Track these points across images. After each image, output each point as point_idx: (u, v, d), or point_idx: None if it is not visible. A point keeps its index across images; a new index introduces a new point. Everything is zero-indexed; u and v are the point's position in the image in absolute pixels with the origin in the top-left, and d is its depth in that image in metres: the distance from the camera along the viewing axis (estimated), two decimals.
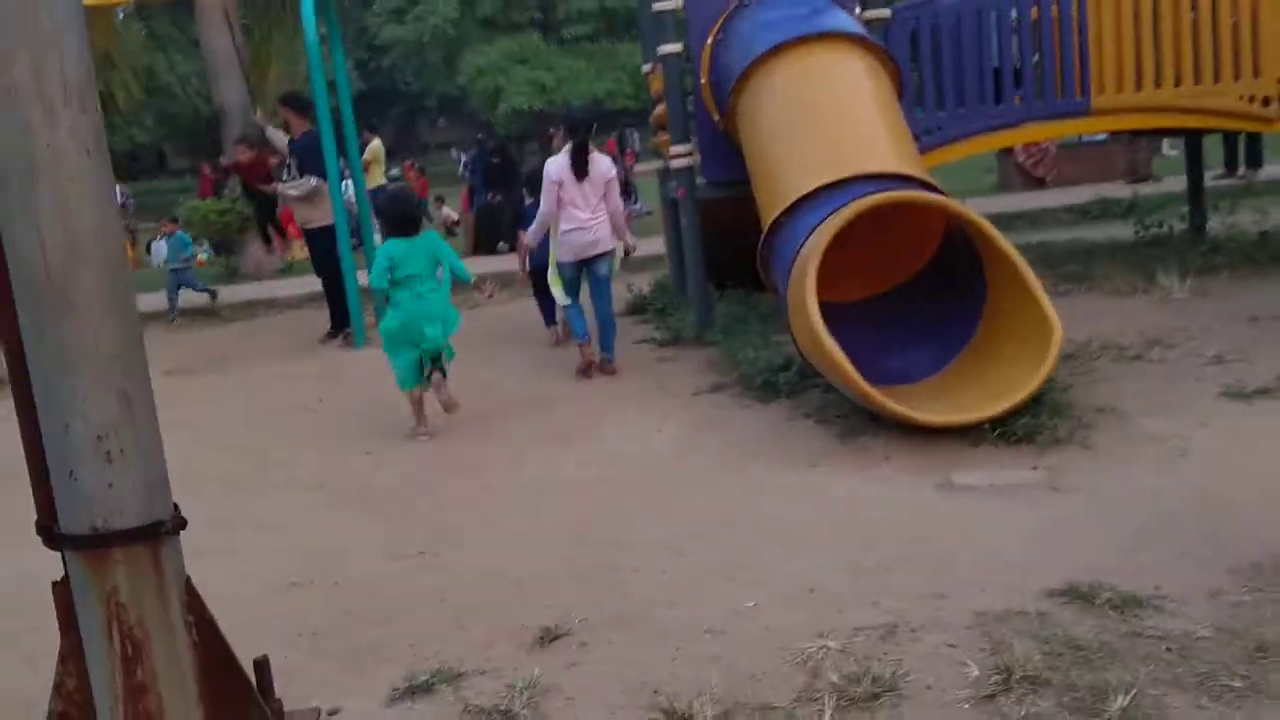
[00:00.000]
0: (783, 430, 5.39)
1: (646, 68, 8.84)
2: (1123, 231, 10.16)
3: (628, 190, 20.80)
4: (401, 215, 6.30)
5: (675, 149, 7.72)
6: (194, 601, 1.91)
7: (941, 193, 5.73)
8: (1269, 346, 5.80)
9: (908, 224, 6.03)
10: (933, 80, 7.70)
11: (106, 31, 13.92)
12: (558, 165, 6.95)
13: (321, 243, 9.22)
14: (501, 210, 14.22)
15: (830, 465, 4.81)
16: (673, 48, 7.61)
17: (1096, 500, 4.07)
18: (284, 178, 9.45)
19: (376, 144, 17.04)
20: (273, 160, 9.53)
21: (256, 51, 14.42)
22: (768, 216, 6.09)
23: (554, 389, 6.96)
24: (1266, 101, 7.73)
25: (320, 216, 9.18)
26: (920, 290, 6.21)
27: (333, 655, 3.51)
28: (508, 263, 12.59)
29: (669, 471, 5.05)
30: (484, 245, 14.29)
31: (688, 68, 7.82)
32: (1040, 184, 14.84)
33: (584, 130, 7.02)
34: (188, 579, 1.93)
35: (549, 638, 3.33)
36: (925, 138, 7.57)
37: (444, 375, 6.25)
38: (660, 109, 8.27)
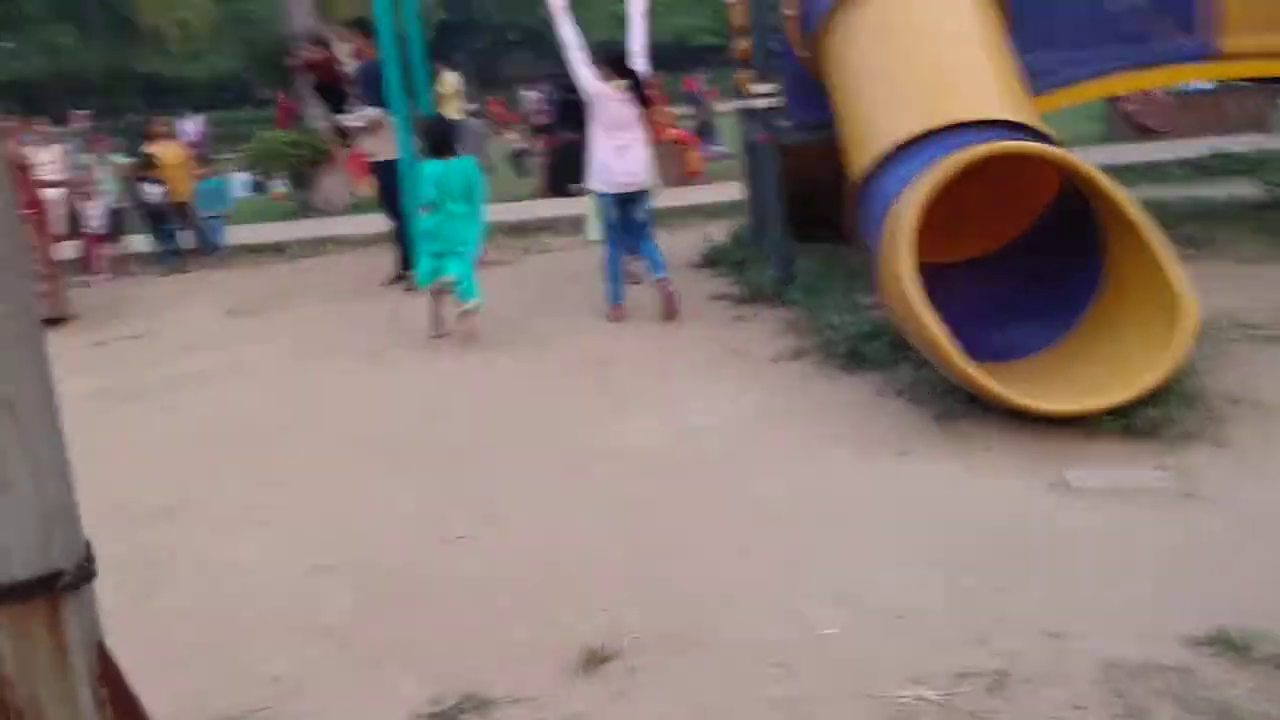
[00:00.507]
0: (870, 408, 4.85)
1: None
2: (1246, 190, 9.32)
3: (708, 130, 20.15)
4: (439, 138, 6.94)
5: (757, 88, 7.11)
6: (108, 672, 1.46)
7: (1056, 143, 5.09)
8: None
9: (1017, 177, 5.40)
10: (1042, 18, 6.94)
11: None
12: (601, 85, 6.88)
13: (386, 177, 8.83)
14: (576, 150, 13.67)
15: (924, 454, 4.26)
16: None
17: (1239, 513, 3.48)
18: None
19: (450, 77, 16.55)
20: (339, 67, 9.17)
21: None
22: (858, 166, 5.50)
23: (620, 345, 6.48)
24: None
25: (384, 150, 8.77)
26: (1030, 252, 5.59)
27: (351, 659, 3.10)
28: (582, 206, 12.11)
29: (741, 450, 4.55)
30: (557, 187, 13.76)
31: None
32: (1150, 134, 13.85)
33: (628, 66, 6.96)
34: (100, 642, 1.48)
35: (595, 661, 2.87)
36: (1033, 82, 6.84)
37: (460, 301, 6.78)
38: (742, 44, 7.65)
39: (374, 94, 8.59)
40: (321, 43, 9.57)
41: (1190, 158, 11.36)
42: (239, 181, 19.06)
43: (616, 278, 7.11)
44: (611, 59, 7.05)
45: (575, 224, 11.30)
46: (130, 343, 7.61)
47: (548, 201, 13.31)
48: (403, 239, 8.88)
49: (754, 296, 7.21)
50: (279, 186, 16.84)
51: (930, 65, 5.45)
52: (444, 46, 55.64)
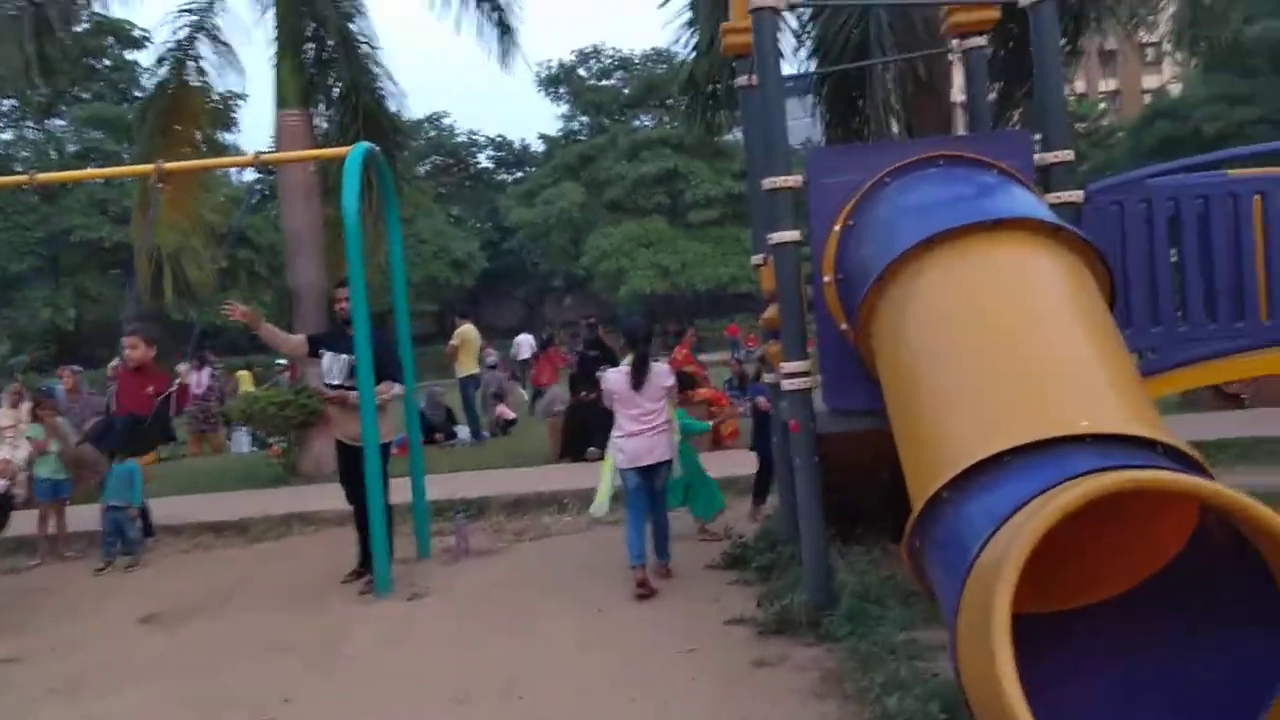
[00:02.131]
0: None
1: (756, 259, 7.03)
2: None
3: (748, 382, 18.90)
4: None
5: (788, 366, 5.78)
6: None
7: (1201, 467, 3.63)
8: None
9: (1144, 507, 3.89)
10: (1145, 288, 5.64)
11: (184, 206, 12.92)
12: (614, 376, 6.97)
13: (379, 463, 7.27)
14: (595, 410, 12.43)
15: None
16: (788, 236, 5.77)
17: None
18: (330, 381, 7.62)
19: (467, 329, 15.67)
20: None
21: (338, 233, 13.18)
22: (920, 485, 4.02)
23: (608, 698, 4.88)
24: None
25: (387, 430, 7.44)
26: (1168, 602, 4.00)
27: None
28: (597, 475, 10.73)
29: None
30: (573, 449, 12.46)
31: (809, 261, 5.97)
32: (1235, 404, 12.35)
33: (643, 343, 7.01)
34: None
35: None
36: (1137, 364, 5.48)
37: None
38: (771, 310, 6.40)
39: (390, 364, 7.40)
40: (148, 338, 8.46)
41: None
42: (241, 438, 17.96)
43: (634, 536, 6.79)
44: (627, 332, 7.27)
45: (587, 499, 9.89)
46: None
47: (559, 468, 11.96)
48: (365, 528, 7.42)
49: (783, 625, 5.63)
50: (281, 442, 15.66)
51: (1020, 353, 4.04)
52: (493, 293, 56.50)
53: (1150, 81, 56.56)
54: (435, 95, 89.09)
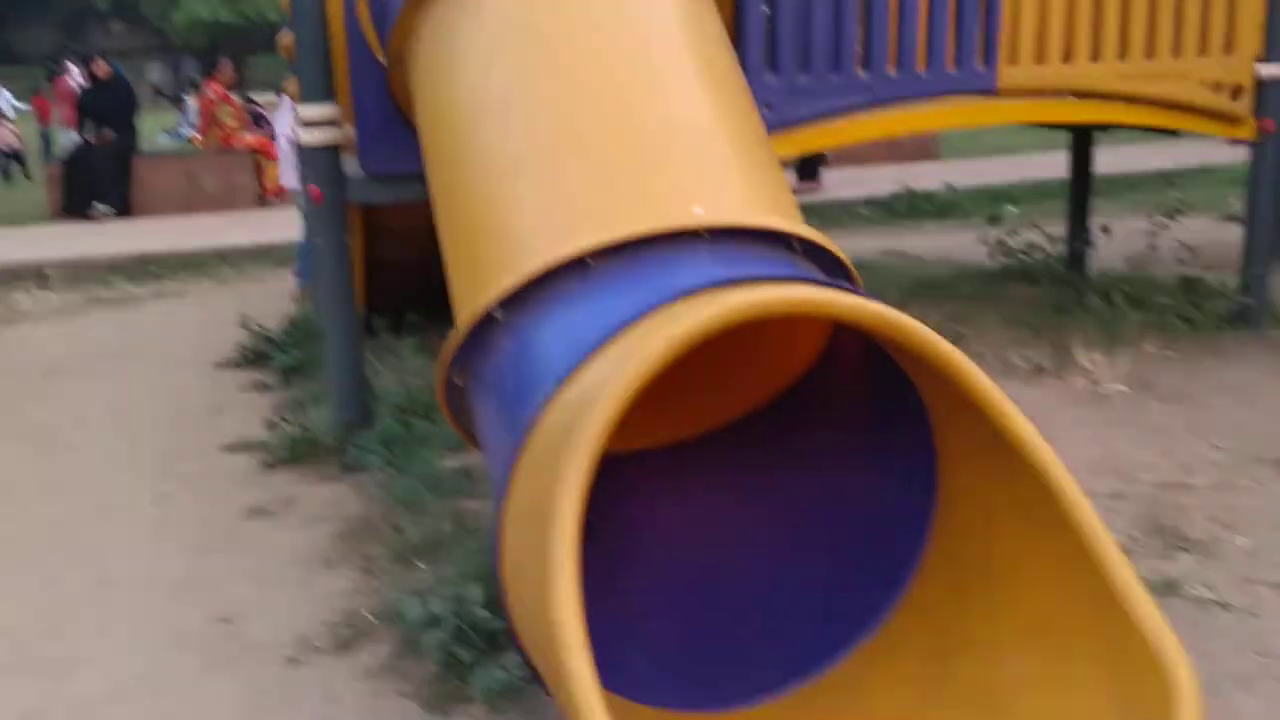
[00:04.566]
0: None
1: None
2: (948, 241, 7.64)
3: None
4: None
5: (308, 111, 4.20)
6: None
7: (846, 270, 2.63)
8: None
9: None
10: (760, 29, 4.53)
11: None
12: None
13: None
14: (101, 157, 10.03)
15: None
16: None
17: None
18: None
19: None
20: None
21: None
22: (466, 296, 2.74)
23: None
24: (1236, 92, 5.20)
25: None
26: (784, 443, 3.06)
27: None
28: (109, 239, 8.61)
29: None
30: (74, 204, 10.05)
31: None
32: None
33: None
34: None
35: None
36: None
37: None
38: (287, 36, 4.70)
39: None
40: None
41: (876, 195, 9.59)
42: None
43: None
44: None
45: (77, 271, 7.85)
46: None
47: (53, 229, 9.60)
48: None
49: (298, 452, 4.30)
50: None
51: (612, 101, 2.77)
52: (13, 16, 47.66)
53: None
54: None
